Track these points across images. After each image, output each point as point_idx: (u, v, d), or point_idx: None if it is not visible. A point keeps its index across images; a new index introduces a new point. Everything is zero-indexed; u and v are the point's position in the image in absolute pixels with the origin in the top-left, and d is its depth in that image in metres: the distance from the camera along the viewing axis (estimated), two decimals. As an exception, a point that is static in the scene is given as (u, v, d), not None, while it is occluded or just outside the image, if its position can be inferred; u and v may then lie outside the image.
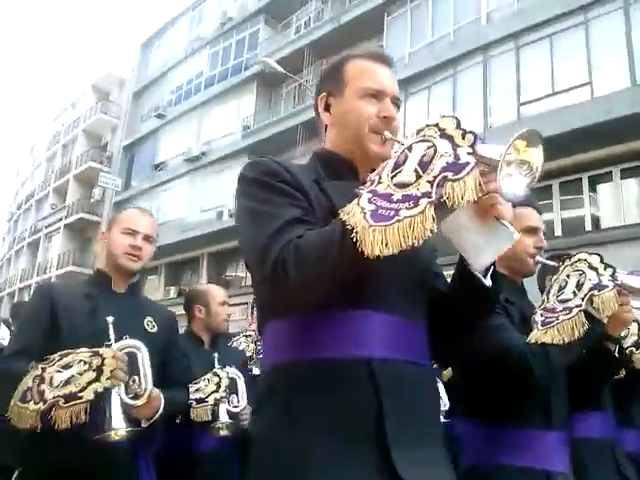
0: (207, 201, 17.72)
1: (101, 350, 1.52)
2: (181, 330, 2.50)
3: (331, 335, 1.00)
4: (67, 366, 1.46)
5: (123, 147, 22.94)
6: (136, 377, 1.55)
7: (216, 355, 2.48)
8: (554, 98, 10.32)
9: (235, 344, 3.31)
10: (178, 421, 2.11)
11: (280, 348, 1.06)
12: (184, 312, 3.01)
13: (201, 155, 18.35)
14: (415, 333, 1.07)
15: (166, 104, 21.10)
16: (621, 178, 10.03)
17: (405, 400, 0.98)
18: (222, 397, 2.29)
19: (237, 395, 2.38)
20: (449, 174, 0.88)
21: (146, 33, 24.77)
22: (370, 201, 0.92)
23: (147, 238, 1.86)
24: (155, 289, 19.41)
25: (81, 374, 1.45)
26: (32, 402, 1.40)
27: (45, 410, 1.39)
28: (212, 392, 2.29)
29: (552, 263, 1.74)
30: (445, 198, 0.86)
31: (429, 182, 0.89)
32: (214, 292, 2.80)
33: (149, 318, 1.86)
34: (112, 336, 1.61)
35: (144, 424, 1.59)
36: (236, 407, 2.36)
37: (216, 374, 2.37)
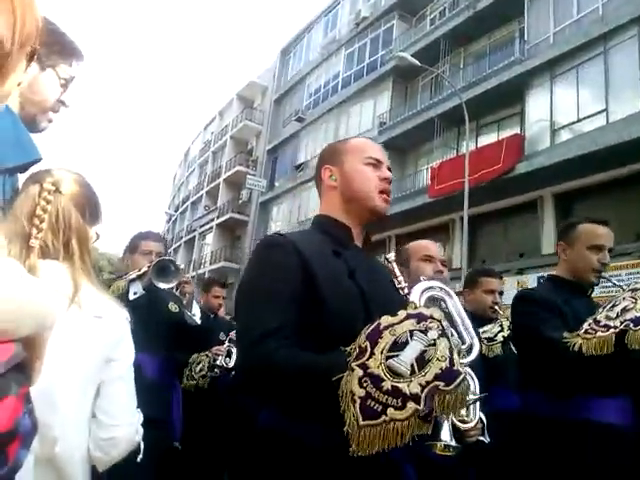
0: (345, 197, 18.35)
1: (427, 311, 1.07)
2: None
3: None
4: (396, 347, 1.01)
5: (267, 151, 24.54)
6: (452, 330, 1.13)
7: None
8: None
9: None
10: None
11: None
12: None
13: (339, 154, 19.00)
14: None
15: (305, 108, 22.19)
16: None
17: None
18: None
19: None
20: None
21: (284, 41, 26.29)
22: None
23: (389, 171, 1.41)
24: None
25: (434, 345, 1.01)
26: (392, 408, 0.96)
27: (423, 408, 0.96)
28: None
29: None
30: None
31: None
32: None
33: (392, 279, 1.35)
34: (416, 300, 1.19)
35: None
36: (464, 422, 1.54)
37: None
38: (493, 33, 15.06)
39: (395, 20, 18.20)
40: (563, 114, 12.01)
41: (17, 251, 1.13)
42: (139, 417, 1.30)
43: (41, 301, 0.68)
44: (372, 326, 1.05)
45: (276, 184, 23.22)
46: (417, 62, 12.82)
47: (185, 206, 34.07)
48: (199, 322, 2.73)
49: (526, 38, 13.39)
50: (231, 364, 4.18)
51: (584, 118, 11.47)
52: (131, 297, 2.32)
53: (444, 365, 0.98)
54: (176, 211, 36.34)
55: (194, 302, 2.78)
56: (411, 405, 0.94)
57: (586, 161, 10.61)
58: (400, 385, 0.96)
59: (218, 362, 3.97)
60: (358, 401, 0.96)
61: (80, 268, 1.20)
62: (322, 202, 1.44)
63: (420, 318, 1.05)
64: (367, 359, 1.00)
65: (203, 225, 28.66)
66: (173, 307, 2.67)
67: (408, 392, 0.95)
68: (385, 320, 1.05)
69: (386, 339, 1.02)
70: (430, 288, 1.24)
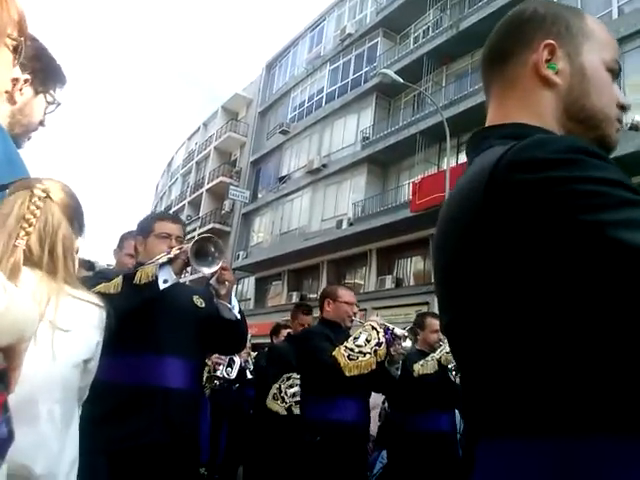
0: (327, 211, 18.48)
1: None
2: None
3: None
4: None
5: (250, 162, 24.59)
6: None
7: None
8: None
9: None
10: None
11: None
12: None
13: (322, 167, 19.17)
14: None
15: (289, 120, 22.33)
16: None
17: None
18: None
19: None
20: None
21: (269, 55, 26.52)
22: None
23: None
24: (279, 294, 20.52)
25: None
26: None
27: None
28: None
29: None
30: None
31: None
32: None
33: None
34: None
35: None
36: None
37: None
38: (475, 53, 15.40)
39: (379, 37, 18.50)
40: (541, 133, 12.28)
41: (0, 249, 1.10)
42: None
43: (21, 312, 0.67)
44: None
45: (259, 195, 23.24)
46: (400, 79, 13.04)
47: (167, 216, 33.74)
48: (239, 316, 2.15)
49: (506, 59, 13.71)
50: (233, 375, 3.77)
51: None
52: (161, 286, 1.88)
53: None
54: (157, 221, 35.92)
55: (232, 294, 2.19)
56: None
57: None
58: None
59: (218, 373, 3.66)
60: None
61: (62, 276, 1.17)
62: (517, 99, 0.83)
63: None
64: None
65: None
66: (198, 301, 2.18)
67: None
68: None
69: None
70: None
